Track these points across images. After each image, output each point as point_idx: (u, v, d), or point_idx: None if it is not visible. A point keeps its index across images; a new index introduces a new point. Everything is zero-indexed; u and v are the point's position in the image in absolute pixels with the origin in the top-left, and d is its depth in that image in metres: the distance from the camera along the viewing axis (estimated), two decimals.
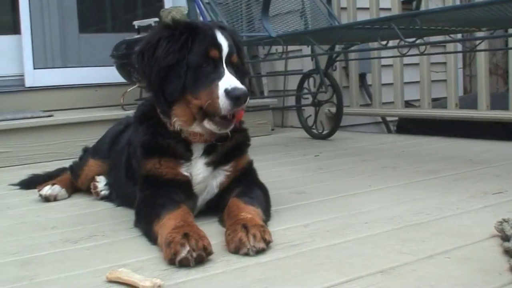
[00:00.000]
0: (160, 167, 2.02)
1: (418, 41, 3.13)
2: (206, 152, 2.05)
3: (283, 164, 3.36)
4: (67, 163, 2.90)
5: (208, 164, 2.05)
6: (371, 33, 3.30)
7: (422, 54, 3.61)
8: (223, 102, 1.85)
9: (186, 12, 4.49)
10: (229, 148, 2.08)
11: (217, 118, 1.92)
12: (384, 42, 3.09)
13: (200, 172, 2.04)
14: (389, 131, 5.64)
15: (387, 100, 5.05)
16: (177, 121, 1.98)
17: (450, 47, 4.57)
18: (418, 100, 4.83)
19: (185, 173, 2.02)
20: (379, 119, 5.67)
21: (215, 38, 1.96)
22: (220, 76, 1.90)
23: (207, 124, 1.93)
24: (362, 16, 4.87)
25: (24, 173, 3.06)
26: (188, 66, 1.93)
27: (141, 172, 2.07)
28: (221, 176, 2.08)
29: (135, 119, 2.19)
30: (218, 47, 1.95)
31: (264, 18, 3.26)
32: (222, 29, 2.05)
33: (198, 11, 4.16)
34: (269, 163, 3.36)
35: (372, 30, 3.18)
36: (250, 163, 2.19)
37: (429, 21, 2.99)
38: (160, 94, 1.99)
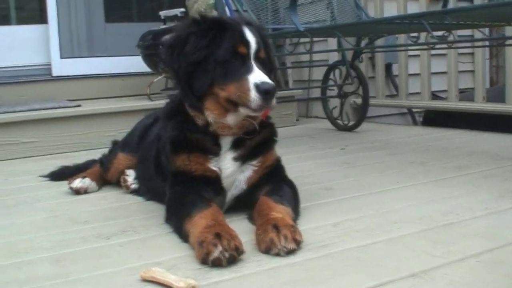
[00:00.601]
0: (189, 163, 2.04)
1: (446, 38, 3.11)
2: (234, 146, 2.06)
3: (309, 158, 3.36)
4: (94, 154, 2.93)
5: (236, 158, 2.06)
6: (400, 26, 3.27)
7: (449, 47, 3.58)
8: (254, 95, 1.86)
9: (212, 1, 4.50)
10: (257, 142, 2.10)
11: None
12: (413, 35, 3.07)
13: (229, 167, 2.05)
14: (415, 123, 5.60)
15: (413, 91, 5.00)
16: (210, 114, 1.99)
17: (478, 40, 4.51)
18: (445, 91, 4.78)
19: (214, 168, 2.04)
20: (405, 110, 5.63)
21: (243, 35, 1.98)
22: (249, 70, 1.91)
23: (242, 109, 1.92)
24: (389, 7, 4.82)
25: (51, 163, 3.10)
26: (216, 61, 1.95)
27: (170, 169, 2.09)
28: (248, 171, 2.09)
29: (163, 115, 2.21)
30: (246, 43, 1.96)
31: (292, 12, 3.25)
32: (250, 25, 2.06)
33: (223, 0, 4.16)
34: (295, 156, 3.36)
35: (401, 24, 3.16)
36: (278, 160, 2.20)
37: (459, 17, 2.96)
38: (188, 89, 2.01)
